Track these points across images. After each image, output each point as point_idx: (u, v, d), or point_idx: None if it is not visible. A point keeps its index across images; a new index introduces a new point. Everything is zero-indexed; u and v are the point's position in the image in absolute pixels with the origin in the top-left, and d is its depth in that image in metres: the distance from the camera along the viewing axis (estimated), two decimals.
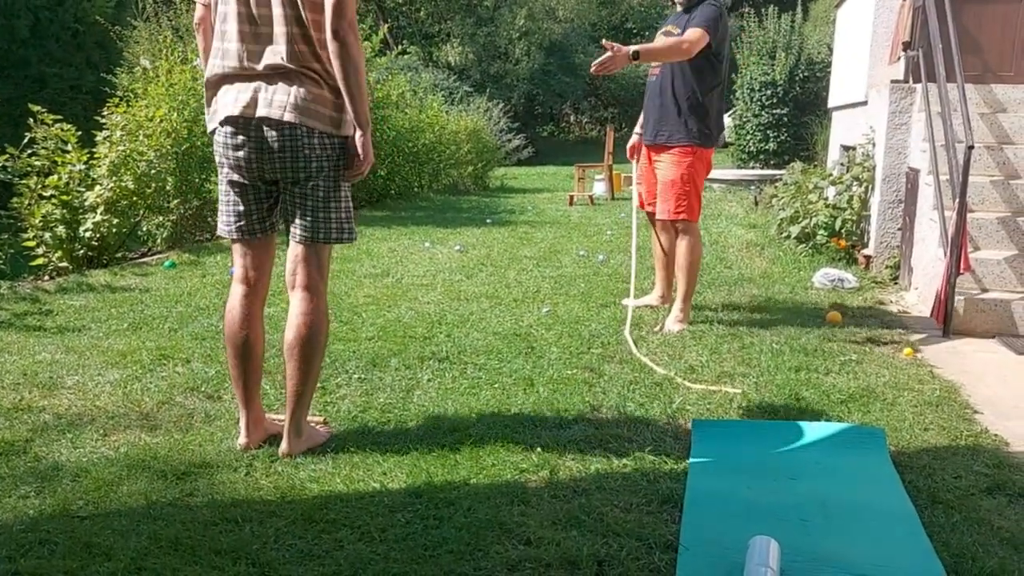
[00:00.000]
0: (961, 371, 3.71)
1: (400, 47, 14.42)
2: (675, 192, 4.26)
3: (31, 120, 5.65)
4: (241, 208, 2.60)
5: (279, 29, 2.44)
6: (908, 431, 2.94)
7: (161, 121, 6.40)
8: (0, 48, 10.00)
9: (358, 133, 2.53)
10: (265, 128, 2.45)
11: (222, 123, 2.50)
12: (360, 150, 2.54)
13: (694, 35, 4.04)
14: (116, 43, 9.52)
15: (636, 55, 3.90)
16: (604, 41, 3.97)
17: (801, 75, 14.99)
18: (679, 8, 4.36)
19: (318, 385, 2.97)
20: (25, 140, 5.59)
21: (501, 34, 23.59)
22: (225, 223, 2.65)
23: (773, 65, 15.09)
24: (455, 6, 24.44)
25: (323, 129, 2.48)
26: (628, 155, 4.71)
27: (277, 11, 2.44)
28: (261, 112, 2.44)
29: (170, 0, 9.54)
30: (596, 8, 28.61)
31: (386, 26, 14.97)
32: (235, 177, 2.57)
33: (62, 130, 5.70)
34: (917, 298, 5.02)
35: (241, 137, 2.49)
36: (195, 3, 2.67)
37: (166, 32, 7.94)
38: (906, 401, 3.25)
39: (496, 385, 3.35)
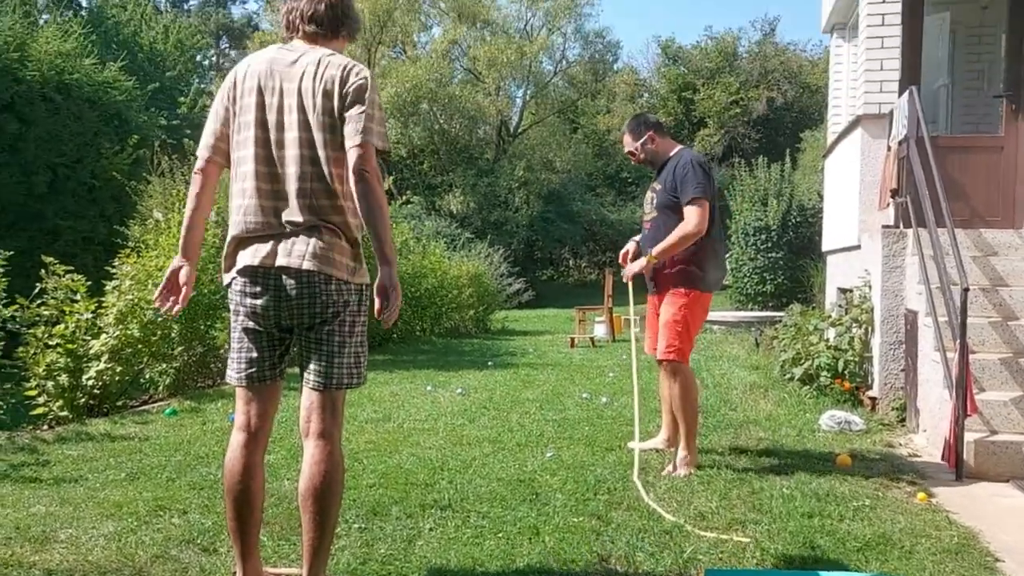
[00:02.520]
0: (978, 516, 3.61)
1: (404, 197, 14.93)
2: (667, 332, 4.27)
3: (43, 271, 5.77)
4: (254, 355, 2.60)
5: (299, 186, 2.50)
6: None
7: None
8: (16, 203, 10.34)
9: (384, 270, 2.50)
10: (284, 276, 2.49)
11: (240, 272, 2.54)
12: (389, 284, 2.51)
13: (692, 216, 4.16)
14: (130, 197, 9.86)
15: (654, 257, 4.25)
16: (621, 261, 4.54)
17: (794, 220, 15.43)
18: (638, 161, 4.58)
19: None
20: (35, 291, 5.68)
21: (501, 184, 24.47)
22: (236, 370, 2.62)
23: (766, 211, 15.55)
24: (457, 159, 25.49)
25: (339, 276, 2.51)
26: (620, 259, 4.68)
27: (294, 169, 2.51)
28: (280, 262, 2.48)
29: (185, 157, 9.94)
30: (592, 159, 29.83)
31: (391, 178, 15.54)
32: (250, 324, 2.58)
33: (72, 280, 5.81)
34: (926, 440, 4.95)
35: (259, 286, 2.52)
36: (201, 155, 2.67)
37: (179, 186, 8.24)
38: (924, 549, 3.14)
39: (500, 534, 3.26)
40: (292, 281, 2.48)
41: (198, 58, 34.84)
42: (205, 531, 3.26)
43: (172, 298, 2.69)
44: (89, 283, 5.94)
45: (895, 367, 5.82)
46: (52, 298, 5.71)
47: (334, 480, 2.54)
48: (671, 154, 4.41)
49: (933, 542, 3.22)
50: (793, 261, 15.26)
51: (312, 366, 2.57)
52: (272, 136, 2.54)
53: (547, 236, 25.96)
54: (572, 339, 11.33)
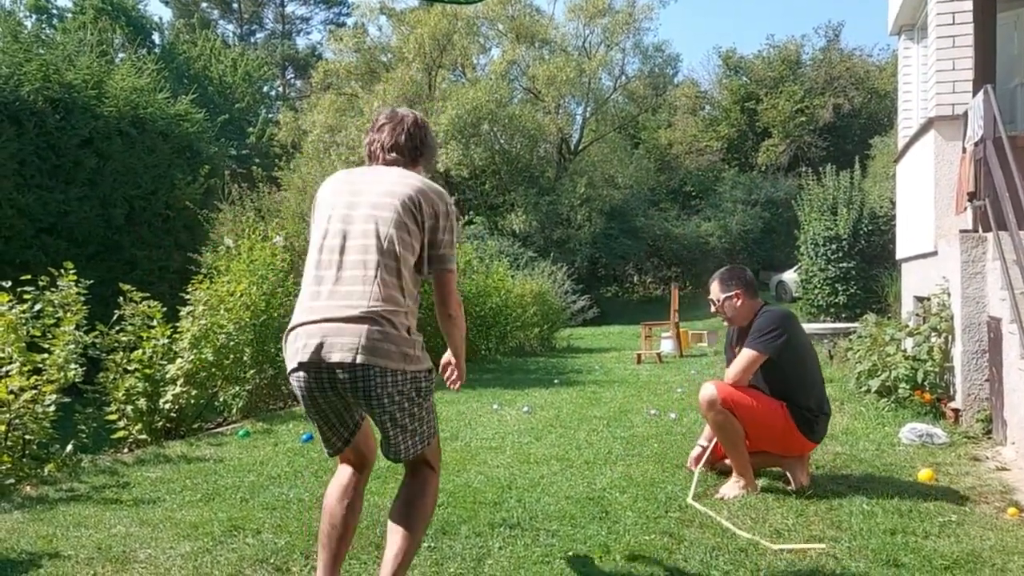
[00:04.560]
0: None
1: (467, 217, 15.04)
2: (739, 388, 4.00)
3: (121, 299, 5.96)
4: (328, 433, 2.65)
5: (356, 274, 2.51)
6: None
7: (241, 295, 6.69)
8: (96, 235, 10.75)
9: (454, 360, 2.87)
10: (337, 370, 2.46)
11: (294, 370, 2.54)
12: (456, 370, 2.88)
13: (738, 363, 4.02)
14: (203, 225, 10.17)
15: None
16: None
17: (865, 229, 15.03)
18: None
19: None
20: (114, 318, 5.88)
21: (563, 202, 24.48)
22: (323, 445, 2.70)
23: (835, 220, 15.18)
24: (518, 178, 25.61)
25: (394, 367, 2.47)
26: (689, 464, 4.41)
27: (356, 258, 2.52)
28: (334, 358, 2.44)
29: (254, 185, 10.22)
30: (654, 174, 29.61)
31: (453, 199, 15.61)
32: (313, 410, 2.61)
33: (148, 307, 5.99)
34: (1015, 453, 4.72)
35: (313, 381, 2.50)
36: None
37: (249, 213, 8.45)
38: (1018, 567, 2.98)
39: (570, 553, 3.21)
40: (346, 375, 2.46)
41: (265, 89, 36.00)
42: (278, 551, 3.29)
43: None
44: (165, 310, 6.12)
45: (979, 377, 5.57)
46: (130, 325, 5.89)
47: (426, 506, 2.63)
48: (753, 316, 4.13)
49: None
50: (866, 271, 14.86)
51: (383, 439, 2.61)
52: (341, 227, 2.57)
53: (610, 253, 25.83)
54: (639, 355, 11.21)
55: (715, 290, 4.22)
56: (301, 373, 2.51)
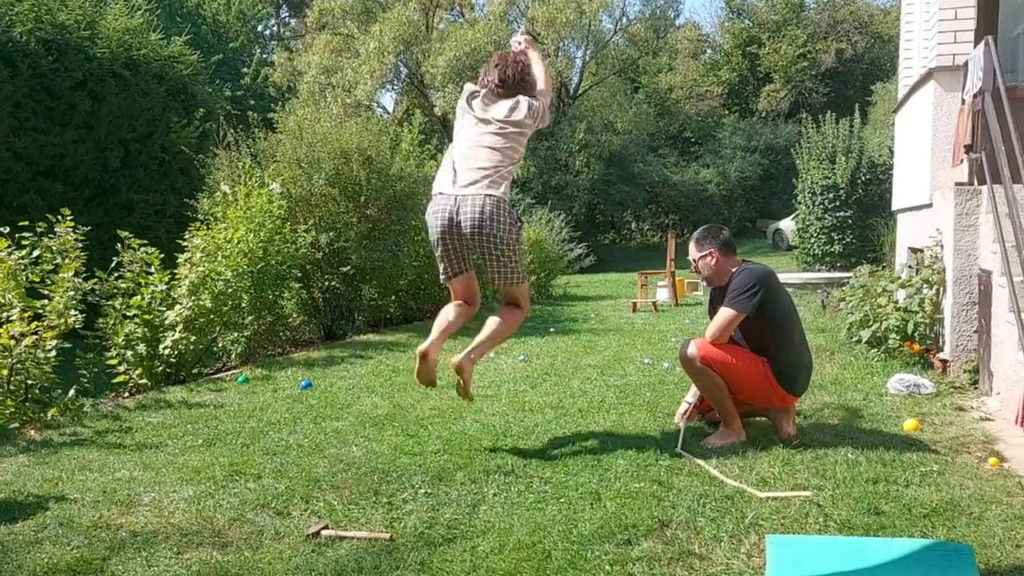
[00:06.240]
0: None
1: None
2: (719, 347, 4.04)
3: (119, 245, 5.99)
4: (445, 264, 3.97)
5: (496, 156, 3.96)
6: (998, 548, 2.79)
7: (239, 242, 6.71)
8: (93, 178, 10.71)
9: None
10: (469, 198, 3.79)
11: (433, 197, 3.84)
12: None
13: (716, 322, 4.06)
14: (199, 169, 10.12)
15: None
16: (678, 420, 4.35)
17: (863, 178, 14.98)
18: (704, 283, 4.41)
19: (384, 500, 3.20)
20: (113, 264, 5.91)
21: (561, 147, 24.29)
22: (442, 271, 4.06)
23: (834, 169, 15.13)
24: None
25: (502, 218, 3.84)
26: (677, 420, 4.39)
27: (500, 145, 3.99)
28: (470, 190, 3.79)
29: (249, 128, 10.13)
30: (654, 120, 29.33)
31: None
32: (437, 237, 3.86)
33: (147, 253, 6.02)
34: (1000, 404, 4.82)
35: (448, 206, 3.81)
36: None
37: (245, 159, 8.40)
38: (994, 515, 3.09)
39: (562, 499, 3.31)
40: (478, 203, 3.77)
41: (259, 28, 35.33)
42: (279, 495, 3.39)
43: None
44: (162, 255, 6.15)
45: (968, 329, 5.65)
46: (128, 271, 5.93)
47: (515, 319, 4.21)
48: (731, 275, 4.15)
49: (1004, 508, 3.16)
50: (862, 220, 14.86)
51: (488, 271, 4.01)
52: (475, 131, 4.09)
53: (608, 199, 25.75)
54: (634, 304, 11.29)
55: (691, 250, 4.31)
56: (438, 200, 3.87)
